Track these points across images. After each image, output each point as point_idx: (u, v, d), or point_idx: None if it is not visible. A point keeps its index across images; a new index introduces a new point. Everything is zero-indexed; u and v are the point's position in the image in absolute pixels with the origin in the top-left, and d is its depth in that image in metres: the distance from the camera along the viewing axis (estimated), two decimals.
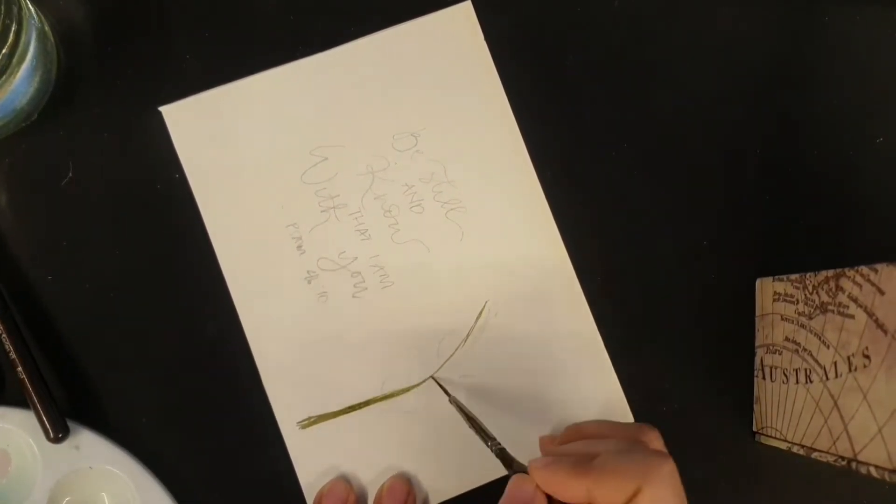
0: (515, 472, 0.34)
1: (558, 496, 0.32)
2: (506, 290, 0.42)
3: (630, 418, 0.42)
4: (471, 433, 0.38)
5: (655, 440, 0.34)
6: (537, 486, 0.32)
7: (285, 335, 0.41)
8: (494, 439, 0.37)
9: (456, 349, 0.41)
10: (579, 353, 0.42)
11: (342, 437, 0.41)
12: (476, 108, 0.42)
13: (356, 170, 0.42)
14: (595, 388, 0.42)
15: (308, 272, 0.42)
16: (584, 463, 0.31)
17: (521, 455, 0.36)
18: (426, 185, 0.42)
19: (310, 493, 0.41)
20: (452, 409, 0.40)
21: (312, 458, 0.41)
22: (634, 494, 0.30)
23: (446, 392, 0.40)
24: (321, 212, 0.42)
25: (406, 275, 0.42)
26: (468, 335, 0.41)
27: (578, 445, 0.34)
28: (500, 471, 0.40)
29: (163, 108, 0.41)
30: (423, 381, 0.41)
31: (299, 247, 0.42)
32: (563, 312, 0.42)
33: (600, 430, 0.36)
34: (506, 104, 0.42)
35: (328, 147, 0.42)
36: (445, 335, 0.42)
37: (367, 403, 0.41)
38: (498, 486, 0.39)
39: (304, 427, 0.41)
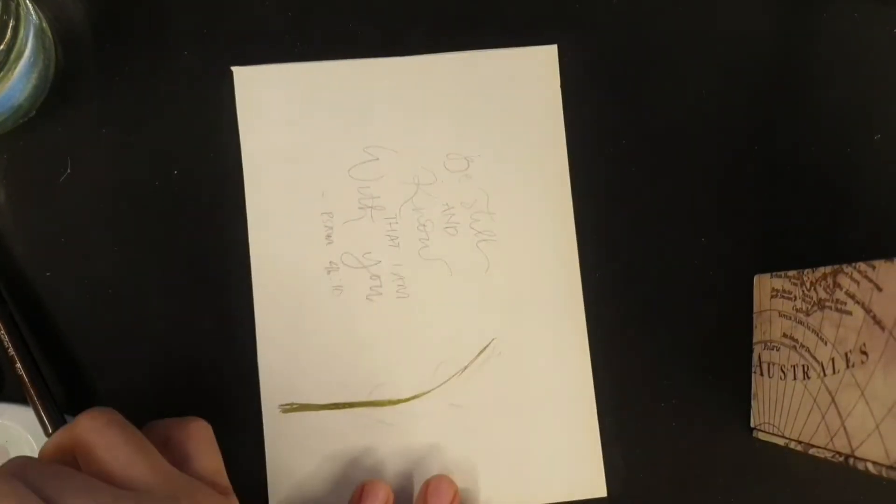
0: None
1: None
2: (516, 331, 0.42)
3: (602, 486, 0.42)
4: (448, 467, 0.39)
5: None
6: None
7: (292, 319, 0.41)
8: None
9: (450, 377, 0.41)
10: (569, 412, 0.42)
11: (319, 431, 0.41)
12: (534, 149, 0.43)
13: (403, 177, 0.42)
14: (575, 450, 0.42)
15: (330, 262, 0.42)
16: None
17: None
18: (466, 210, 0.42)
19: (275, 479, 0.41)
20: (431, 437, 0.40)
21: (285, 445, 0.41)
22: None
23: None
24: (359, 208, 0.42)
25: (423, 291, 0.42)
26: (466, 367, 0.41)
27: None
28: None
29: (235, 69, 0.42)
30: (412, 397, 0.41)
31: (328, 236, 0.42)
32: (565, 369, 0.42)
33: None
34: (563, 154, 0.43)
35: (382, 148, 0.42)
36: (445, 360, 0.42)
37: (351, 405, 0.41)
38: None
39: (285, 411, 0.41)
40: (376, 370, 0.42)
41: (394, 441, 0.41)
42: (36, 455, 0.39)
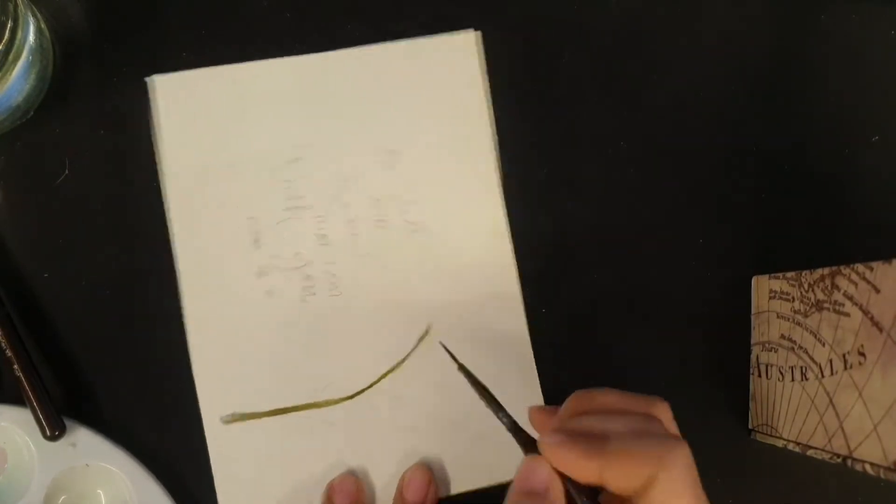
0: (528, 452, 0.33)
1: (569, 475, 0.31)
2: (454, 318, 0.42)
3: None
4: (394, 459, 0.39)
5: (667, 416, 0.34)
6: (552, 468, 0.31)
7: (225, 327, 0.41)
8: (505, 411, 0.35)
9: (391, 369, 0.41)
10: (510, 363, 0.42)
11: (265, 439, 0.40)
12: (460, 136, 0.42)
13: (328, 174, 0.41)
14: (519, 395, 0.41)
15: (259, 267, 0.41)
16: (597, 444, 0.31)
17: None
18: (395, 201, 0.42)
19: (225, 493, 0.40)
20: (377, 429, 0.40)
21: (232, 456, 0.40)
22: (649, 481, 0.29)
23: (454, 359, 0.37)
24: (284, 209, 0.41)
25: (357, 287, 0.41)
26: (405, 358, 0.41)
27: (592, 422, 0.32)
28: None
29: (152, 78, 0.41)
30: (355, 394, 0.41)
31: (256, 240, 0.41)
32: (501, 336, 0.42)
33: (610, 401, 0.34)
34: (489, 138, 0.42)
35: (306, 147, 0.41)
36: (384, 355, 0.41)
37: (295, 409, 0.41)
38: None
39: (227, 423, 0.40)
40: (318, 371, 0.41)
41: (343, 440, 0.41)
42: (35, 454, 0.39)
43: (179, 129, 0.41)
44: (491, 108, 0.42)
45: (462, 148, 0.42)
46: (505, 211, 0.42)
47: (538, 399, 0.42)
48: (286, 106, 0.42)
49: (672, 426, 0.34)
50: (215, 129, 0.41)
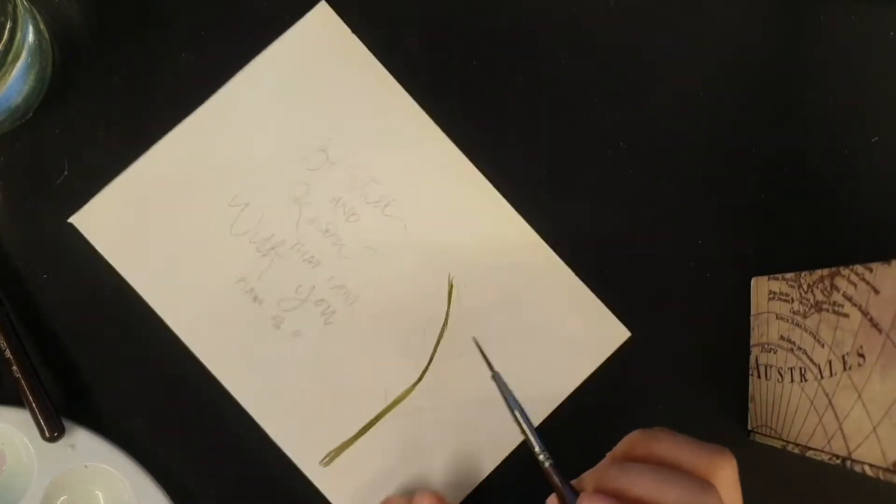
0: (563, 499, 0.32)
1: None
2: (466, 260, 0.42)
3: (620, 328, 0.42)
4: (486, 405, 0.38)
5: (728, 478, 0.32)
6: None
7: (273, 385, 0.41)
8: (545, 451, 0.34)
9: (441, 332, 0.41)
10: (555, 291, 0.42)
11: (366, 457, 0.41)
12: (371, 100, 0.42)
13: (280, 204, 0.41)
14: (580, 314, 0.42)
15: (273, 318, 0.41)
16: None
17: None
18: (352, 192, 0.42)
19: None
20: (462, 388, 0.40)
21: (347, 489, 0.41)
22: None
23: (490, 368, 0.37)
24: (262, 257, 0.41)
25: (368, 284, 0.42)
26: (447, 316, 0.41)
27: (646, 484, 0.30)
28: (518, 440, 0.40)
29: (72, 220, 0.40)
30: (421, 375, 0.41)
31: (255, 298, 0.41)
32: (522, 260, 0.42)
33: (670, 452, 0.32)
34: (398, 87, 0.42)
35: (245, 193, 0.41)
36: (426, 324, 0.42)
37: (377, 419, 0.41)
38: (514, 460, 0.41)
39: (326, 464, 0.41)
40: (376, 375, 0.41)
41: (429, 423, 0.41)
42: (34, 456, 0.39)
43: (119, 247, 0.40)
44: (379, 63, 0.42)
45: (382, 108, 0.42)
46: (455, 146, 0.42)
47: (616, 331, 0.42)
48: (204, 168, 0.41)
49: (732, 490, 0.32)
50: (154, 226, 0.41)
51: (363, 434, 0.41)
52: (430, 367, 0.41)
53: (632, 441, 0.34)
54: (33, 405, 0.38)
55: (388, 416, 0.41)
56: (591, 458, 0.35)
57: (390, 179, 0.42)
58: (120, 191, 0.41)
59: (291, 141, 0.42)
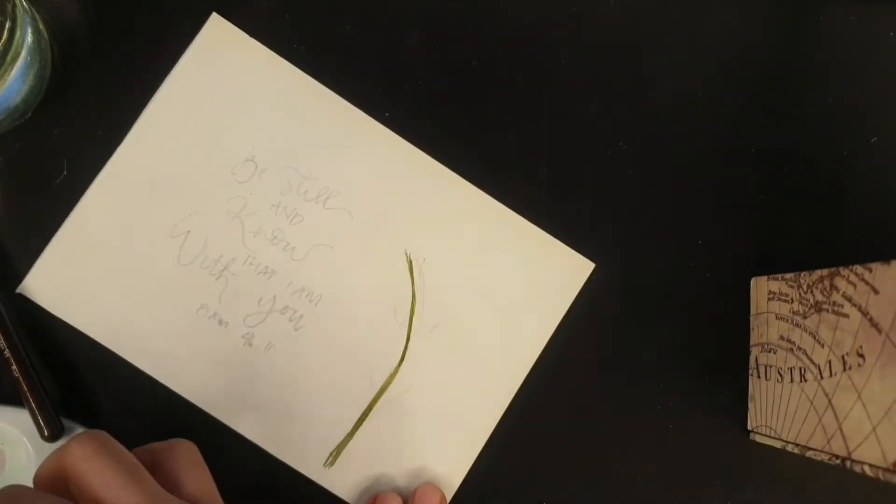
0: None
1: None
2: (419, 234, 0.42)
3: (583, 261, 0.42)
4: (471, 369, 0.41)
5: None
6: None
7: (257, 404, 0.41)
8: None
9: (411, 309, 0.41)
10: (512, 241, 0.42)
11: (365, 446, 0.41)
12: (286, 97, 0.42)
13: (221, 224, 0.41)
14: (543, 258, 0.42)
15: (243, 336, 0.41)
16: None
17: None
18: (289, 194, 0.42)
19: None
20: (444, 359, 0.41)
21: (355, 485, 0.41)
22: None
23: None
24: (216, 279, 0.41)
25: (328, 280, 0.42)
26: (413, 291, 0.41)
27: None
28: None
29: (20, 290, 0.40)
30: (402, 355, 0.41)
31: (220, 321, 0.41)
32: (473, 220, 0.42)
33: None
34: (309, 80, 0.42)
35: (184, 220, 0.41)
36: (395, 305, 0.42)
37: (369, 409, 0.41)
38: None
39: (331, 464, 0.41)
40: (358, 365, 0.41)
41: (423, 398, 0.41)
42: (33, 456, 0.39)
43: (72, 305, 0.40)
44: (287, 62, 0.42)
45: (297, 103, 0.42)
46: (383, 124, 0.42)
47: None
48: (135, 204, 0.41)
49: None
50: (102, 276, 0.40)
51: (360, 426, 0.41)
52: (409, 345, 0.41)
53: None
54: (33, 405, 0.38)
55: (379, 402, 0.41)
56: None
57: (324, 173, 0.42)
58: (60, 248, 0.40)
59: (217, 158, 0.41)
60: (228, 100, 0.41)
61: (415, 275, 0.42)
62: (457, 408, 0.42)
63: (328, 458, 0.41)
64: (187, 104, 0.41)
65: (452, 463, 0.41)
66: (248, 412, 0.41)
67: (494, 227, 0.42)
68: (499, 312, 0.42)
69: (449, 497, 0.41)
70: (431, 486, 0.41)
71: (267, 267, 0.41)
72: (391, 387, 0.41)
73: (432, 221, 0.42)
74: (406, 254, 0.42)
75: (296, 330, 0.41)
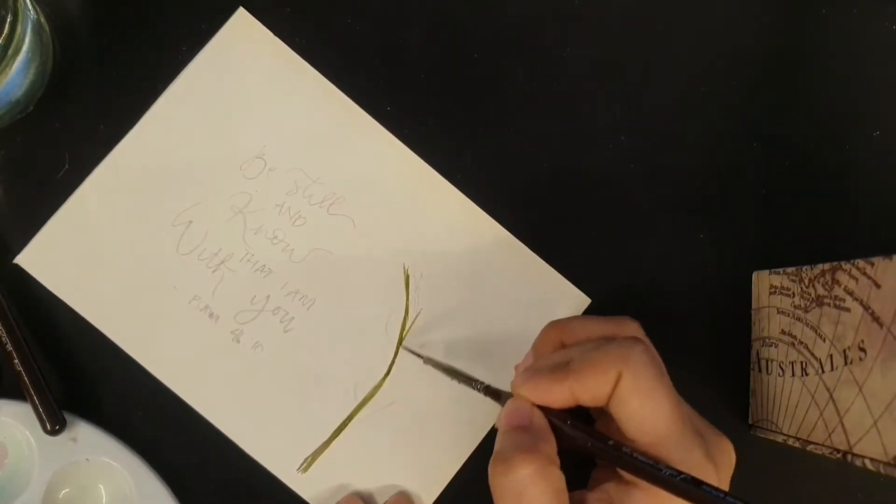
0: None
1: (547, 404, 0.33)
2: (420, 249, 0.42)
3: (579, 295, 0.42)
4: (457, 390, 0.39)
5: (631, 330, 0.35)
6: (531, 403, 0.33)
7: (240, 400, 0.41)
8: (477, 380, 0.38)
9: (403, 323, 0.41)
10: (512, 268, 0.42)
11: (342, 456, 0.41)
12: (304, 99, 0.41)
13: (223, 217, 0.41)
14: (539, 282, 0.42)
15: (232, 332, 0.41)
16: (561, 366, 0.32)
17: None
18: (295, 195, 0.41)
19: None
20: (429, 378, 0.40)
21: (328, 494, 0.41)
22: (617, 381, 0.31)
23: (418, 355, 0.40)
24: (213, 272, 0.41)
25: (323, 286, 0.41)
26: (407, 306, 0.41)
27: (558, 356, 0.34)
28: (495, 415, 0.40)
29: (17, 260, 0.40)
30: (389, 368, 0.41)
31: (211, 314, 0.41)
32: (476, 242, 0.42)
33: (581, 330, 0.36)
34: (329, 85, 0.41)
35: (187, 211, 0.41)
36: (387, 317, 0.41)
37: (349, 419, 0.41)
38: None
39: (304, 470, 0.41)
40: (343, 374, 0.41)
41: (406, 413, 0.41)
42: (35, 449, 0.39)
43: (68, 282, 0.40)
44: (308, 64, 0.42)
45: (314, 108, 0.41)
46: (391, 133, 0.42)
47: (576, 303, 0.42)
48: (142, 189, 0.41)
49: (634, 335, 0.35)
50: (102, 256, 0.40)
51: (338, 435, 0.41)
52: (396, 359, 0.41)
53: (548, 331, 0.37)
54: (35, 399, 0.38)
55: (360, 413, 0.41)
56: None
57: (332, 178, 0.42)
58: (62, 225, 0.40)
59: (227, 153, 0.41)
60: (246, 95, 0.41)
61: (410, 290, 0.41)
62: (438, 427, 0.41)
63: (302, 464, 0.41)
64: (203, 95, 0.41)
65: (429, 481, 0.41)
66: (229, 408, 0.41)
67: (497, 250, 0.42)
68: (489, 340, 0.42)
69: None
70: (404, 495, 0.40)
71: (264, 265, 0.41)
72: (374, 399, 0.41)
73: (434, 240, 0.42)
74: (405, 268, 0.41)
75: (285, 332, 0.41)
